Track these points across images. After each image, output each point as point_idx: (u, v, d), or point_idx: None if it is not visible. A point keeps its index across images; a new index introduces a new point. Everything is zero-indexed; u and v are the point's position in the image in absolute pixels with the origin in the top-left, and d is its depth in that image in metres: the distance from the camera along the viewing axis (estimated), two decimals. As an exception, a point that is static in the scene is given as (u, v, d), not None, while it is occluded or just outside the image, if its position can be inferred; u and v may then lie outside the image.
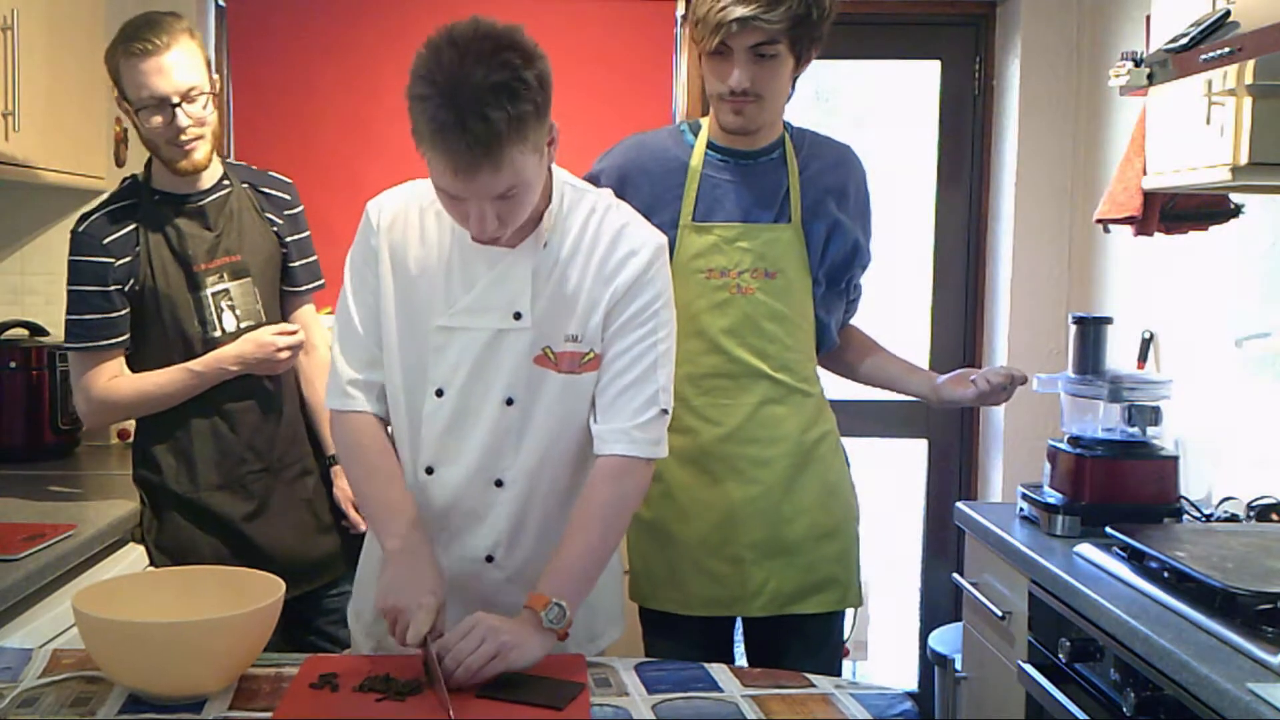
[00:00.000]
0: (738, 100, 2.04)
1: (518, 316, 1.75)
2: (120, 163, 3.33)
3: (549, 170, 1.76)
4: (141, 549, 2.47)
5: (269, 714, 1.52)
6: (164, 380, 2.31)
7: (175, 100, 2.23)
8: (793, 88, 2.15)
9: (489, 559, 1.82)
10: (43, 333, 3.16)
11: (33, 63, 2.66)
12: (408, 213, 1.81)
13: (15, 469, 2.89)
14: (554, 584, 1.68)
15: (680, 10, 3.76)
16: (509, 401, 1.77)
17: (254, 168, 2.51)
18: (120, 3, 3.26)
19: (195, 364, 2.30)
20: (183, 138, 2.26)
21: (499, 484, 1.80)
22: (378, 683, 1.60)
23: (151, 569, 2.36)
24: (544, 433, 1.79)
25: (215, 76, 2.34)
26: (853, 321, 2.36)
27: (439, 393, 1.79)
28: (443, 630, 1.65)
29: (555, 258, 1.77)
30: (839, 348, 2.32)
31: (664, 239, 1.83)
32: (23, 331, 3.14)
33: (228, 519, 2.35)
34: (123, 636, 1.51)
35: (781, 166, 2.14)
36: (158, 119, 2.25)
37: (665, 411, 1.80)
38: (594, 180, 2.07)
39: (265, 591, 1.63)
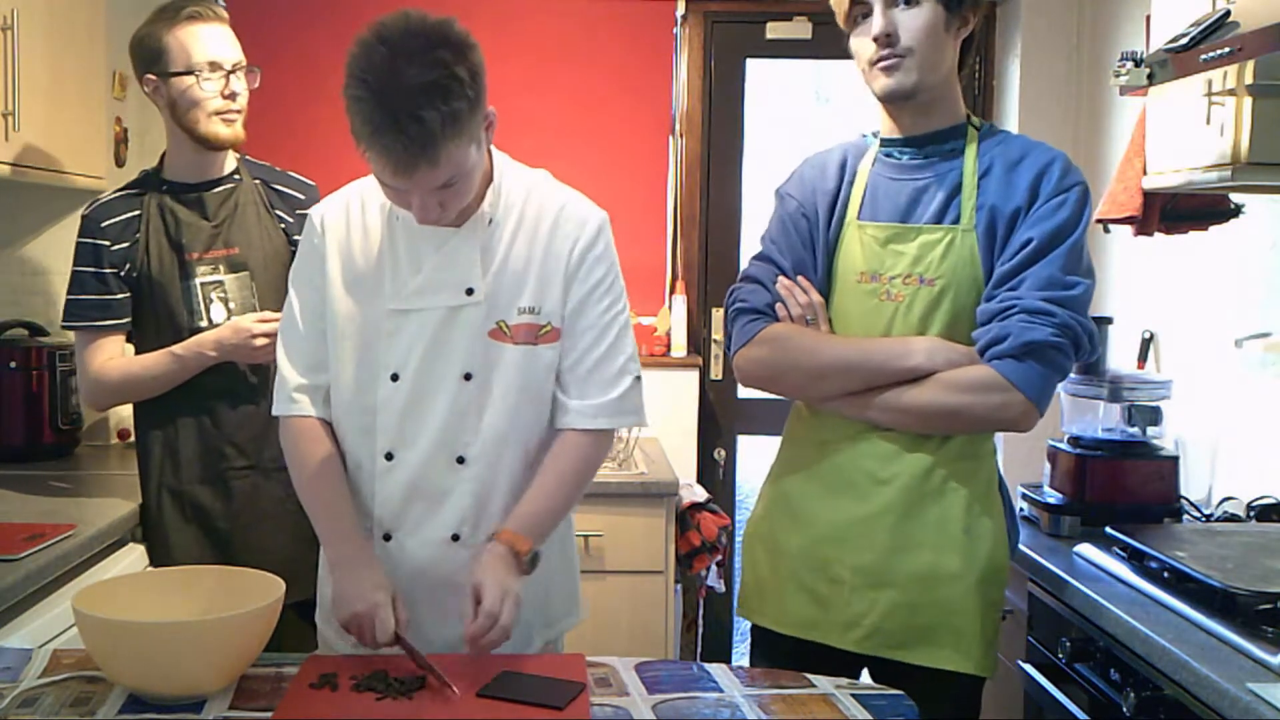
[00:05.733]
0: (885, 57, 1.84)
1: (470, 292, 1.78)
2: (120, 163, 3.33)
3: (489, 151, 1.80)
4: (142, 548, 2.47)
5: (269, 714, 1.51)
6: (149, 363, 2.36)
7: (228, 67, 2.32)
8: (963, 58, 1.91)
9: (455, 538, 1.83)
10: (43, 333, 3.16)
11: (33, 63, 2.66)
12: (348, 211, 1.85)
13: (15, 469, 2.89)
14: (531, 528, 1.75)
15: (680, 10, 3.77)
16: (467, 376, 1.79)
17: (275, 168, 2.54)
18: (120, 3, 3.26)
19: (177, 348, 2.34)
20: (233, 106, 2.33)
21: (461, 461, 1.81)
22: (376, 681, 1.60)
23: (151, 569, 2.36)
24: (504, 406, 1.81)
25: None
26: None
27: (394, 377, 1.80)
28: (406, 618, 1.70)
29: (501, 233, 1.81)
30: None
31: (605, 214, 1.86)
32: (23, 331, 3.14)
33: (209, 514, 2.38)
34: (123, 636, 1.51)
35: (957, 159, 1.89)
36: (212, 84, 2.31)
37: (639, 378, 1.86)
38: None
39: (265, 591, 1.63)
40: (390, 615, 1.67)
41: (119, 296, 2.37)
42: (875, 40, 1.85)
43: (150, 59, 2.33)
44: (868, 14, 1.87)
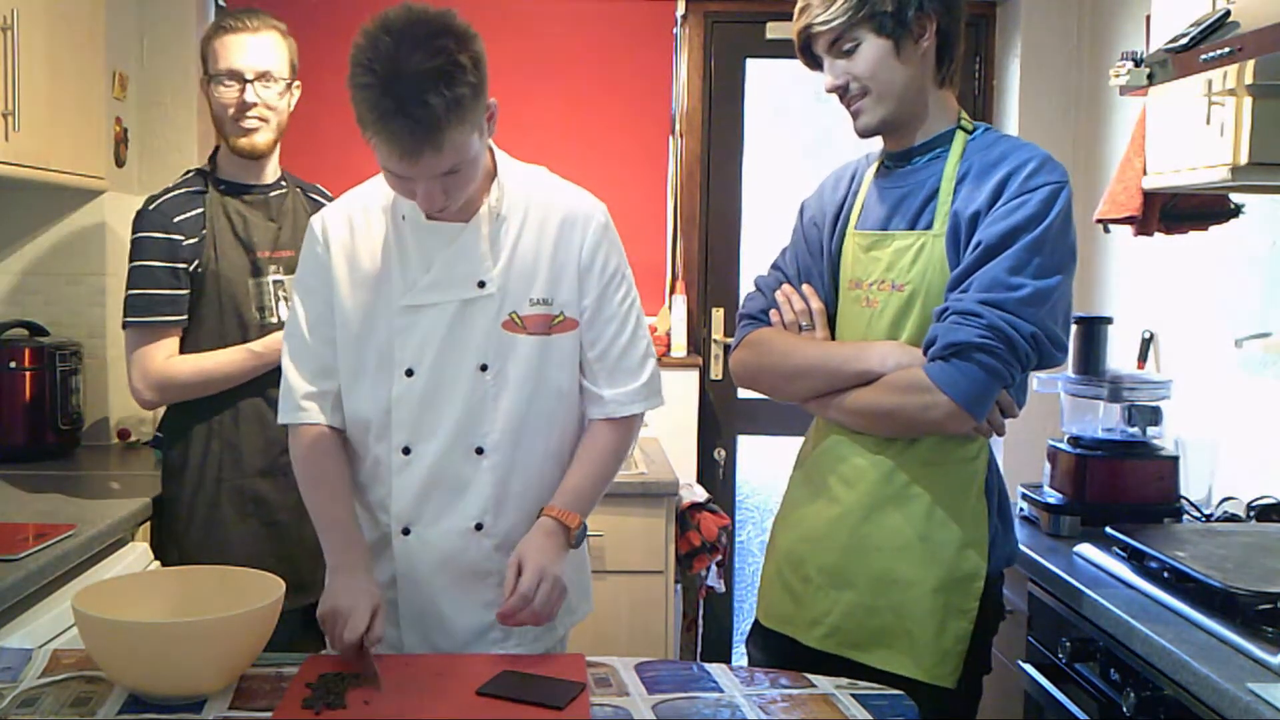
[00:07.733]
0: (846, 100, 1.89)
1: (482, 285, 1.82)
2: (120, 163, 3.33)
3: (490, 146, 1.84)
4: (144, 546, 2.47)
5: (269, 714, 1.51)
6: (225, 360, 2.37)
7: (249, 76, 2.35)
8: (942, 68, 1.90)
9: (478, 527, 1.85)
10: (43, 333, 3.16)
11: (33, 63, 2.66)
12: (351, 216, 1.88)
13: (15, 469, 2.89)
14: (576, 504, 1.84)
15: (680, 10, 3.77)
16: (483, 368, 1.83)
17: (305, 181, 2.60)
18: (120, 3, 3.26)
19: (256, 344, 2.37)
20: (247, 114, 2.36)
21: (479, 452, 1.84)
22: (318, 681, 1.59)
23: (151, 569, 2.36)
24: (520, 396, 1.84)
25: (297, 82, 2.45)
26: None
27: (409, 372, 1.83)
28: (380, 634, 1.69)
29: (508, 227, 1.84)
30: None
31: (604, 204, 1.92)
32: (23, 331, 3.14)
33: (270, 506, 2.38)
34: (123, 636, 1.51)
35: (937, 167, 1.89)
36: (229, 92, 2.36)
37: (657, 359, 1.97)
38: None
39: (265, 591, 1.63)
40: (363, 620, 1.68)
41: (184, 293, 2.38)
42: (830, 92, 1.90)
43: (202, 62, 2.42)
44: (821, 65, 1.92)
